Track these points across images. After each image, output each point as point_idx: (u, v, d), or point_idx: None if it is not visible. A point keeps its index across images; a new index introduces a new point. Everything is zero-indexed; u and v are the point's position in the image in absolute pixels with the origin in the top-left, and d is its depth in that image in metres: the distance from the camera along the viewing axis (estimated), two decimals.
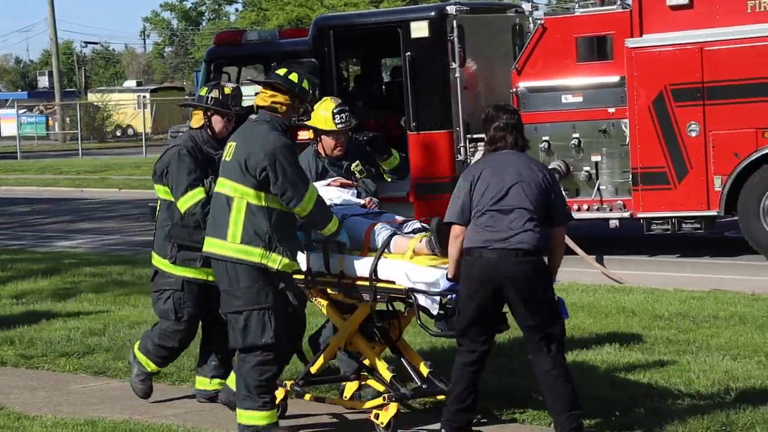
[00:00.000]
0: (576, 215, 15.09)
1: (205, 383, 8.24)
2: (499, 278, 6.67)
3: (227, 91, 8.10)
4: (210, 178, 7.83)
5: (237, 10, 58.47)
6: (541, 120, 15.14)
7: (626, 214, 14.82)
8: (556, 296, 6.84)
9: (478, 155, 15.57)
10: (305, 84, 7.23)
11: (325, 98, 8.04)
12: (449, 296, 6.91)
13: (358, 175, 8.07)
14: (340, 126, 7.83)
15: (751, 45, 13.80)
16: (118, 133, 58.91)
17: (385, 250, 7.19)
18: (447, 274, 6.88)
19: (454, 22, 15.27)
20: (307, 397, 7.68)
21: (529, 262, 6.65)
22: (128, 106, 56.23)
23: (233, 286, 7.00)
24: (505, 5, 17.81)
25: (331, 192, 7.69)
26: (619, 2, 15.09)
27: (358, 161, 8.10)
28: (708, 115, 14.09)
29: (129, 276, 14.00)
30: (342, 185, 7.81)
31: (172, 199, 7.96)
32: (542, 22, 15.34)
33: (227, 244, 7.02)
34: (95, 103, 57.84)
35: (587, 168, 15.01)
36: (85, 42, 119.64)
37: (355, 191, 7.84)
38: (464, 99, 15.46)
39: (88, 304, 12.16)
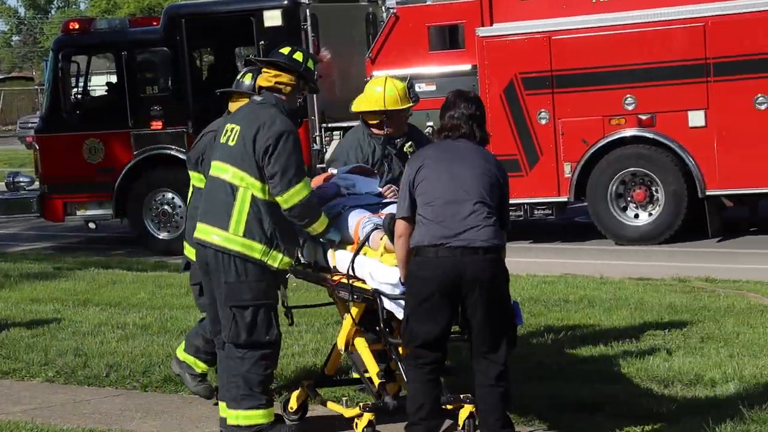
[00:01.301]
0: None
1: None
2: (459, 279, 5.98)
3: None
4: None
5: None
6: None
7: None
8: (513, 300, 6.29)
9: (334, 144, 15.62)
10: (310, 64, 6.81)
11: (382, 77, 7.80)
12: None
13: (410, 154, 7.78)
14: (414, 100, 7.77)
15: (597, 34, 14.16)
16: None
17: (367, 246, 6.70)
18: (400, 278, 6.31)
19: (307, 11, 15.31)
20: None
21: (491, 260, 6.00)
22: None
23: (242, 278, 6.59)
24: None
25: (352, 179, 7.30)
26: None
27: (411, 141, 7.84)
28: (557, 102, 14.41)
29: None
30: (363, 172, 7.40)
31: None
32: (395, 11, 15.49)
33: (230, 236, 6.58)
34: None
35: None
36: None
37: (378, 179, 7.41)
38: (319, 88, 15.40)
39: None
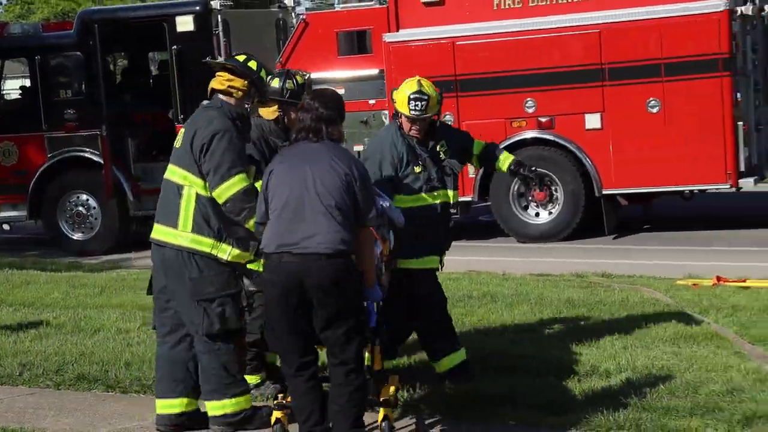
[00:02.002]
0: None
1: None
2: (302, 286, 5.85)
3: (300, 80, 7.54)
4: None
5: (1, 3, 56.52)
6: None
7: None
8: (366, 303, 6.14)
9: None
10: (263, 73, 6.97)
11: (412, 78, 7.53)
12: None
13: (443, 155, 7.66)
14: (413, 113, 7.42)
15: (499, 40, 14.28)
16: None
17: None
18: None
19: (219, 16, 15.26)
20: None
21: (333, 264, 5.83)
22: None
23: (203, 273, 6.62)
24: (269, 0, 17.81)
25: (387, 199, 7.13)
26: None
27: (444, 141, 7.65)
28: (461, 105, 14.50)
29: None
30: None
31: None
32: (304, 17, 15.52)
33: (179, 233, 6.66)
34: None
35: None
36: None
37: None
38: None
39: None
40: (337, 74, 15.23)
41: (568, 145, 14.16)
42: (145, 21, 16.09)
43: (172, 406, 6.88)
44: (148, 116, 16.65)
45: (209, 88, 6.89)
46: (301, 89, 7.46)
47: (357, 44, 15.34)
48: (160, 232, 6.80)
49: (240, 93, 6.81)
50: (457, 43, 14.45)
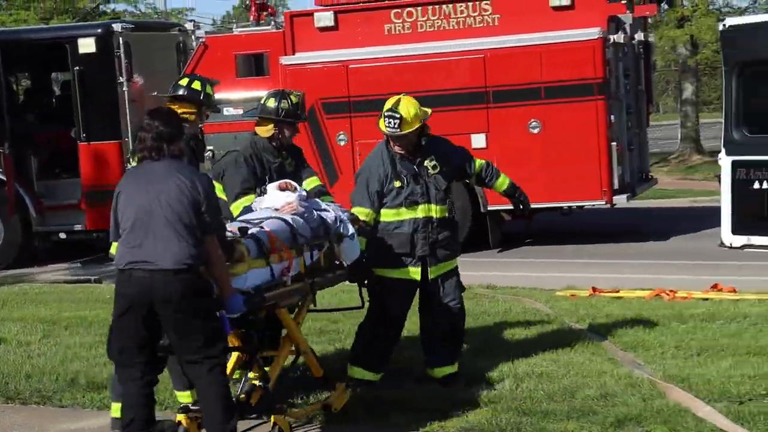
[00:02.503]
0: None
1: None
2: (150, 300, 5.83)
3: (294, 100, 7.59)
4: (265, 185, 7.32)
5: None
6: (206, 131, 15.11)
7: None
8: (220, 312, 6.04)
9: None
10: (208, 89, 7.10)
11: (395, 96, 7.48)
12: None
13: (431, 170, 7.58)
14: (387, 130, 7.40)
15: (390, 64, 14.40)
16: None
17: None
18: None
19: (120, 38, 15.11)
20: None
21: (180, 280, 5.81)
22: None
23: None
24: (169, 24, 17.74)
25: (270, 195, 7.11)
26: (273, 23, 15.42)
27: (433, 156, 7.58)
28: (354, 126, 14.57)
29: None
30: (282, 187, 7.13)
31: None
32: (204, 40, 15.47)
33: None
34: None
35: None
36: None
37: (296, 194, 7.02)
38: (132, 111, 15.32)
39: None
40: (235, 95, 15.20)
41: None
42: (48, 42, 15.85)
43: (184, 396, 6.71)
44: (51, 135, 16.37)
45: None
46: (295, 108, 7.58)
47: (255, 66, 15.35)
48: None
49: (192, 116, 7.01)
50: (350, 66, 14.53)
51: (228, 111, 15.31)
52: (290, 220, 6.75)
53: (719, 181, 11.04)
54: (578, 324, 9.36)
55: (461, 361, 7.93)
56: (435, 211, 7.63)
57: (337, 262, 7.18)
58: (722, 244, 10.96)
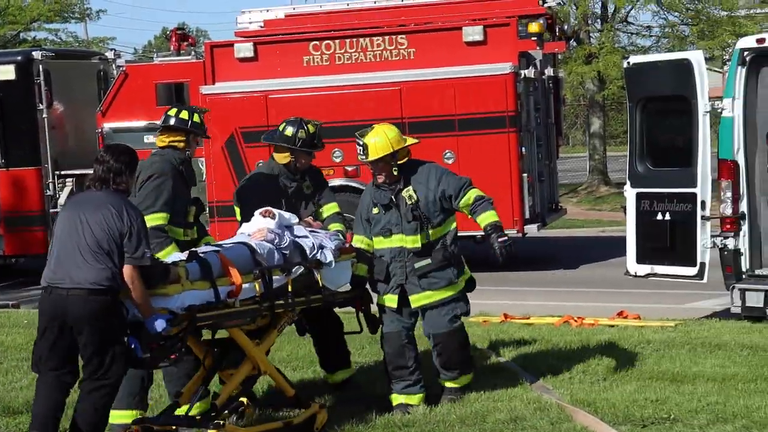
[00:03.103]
0: None
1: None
2: (65, 317, 6.18)
3: (311, 129, 7.80)
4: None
5: None
6: None
7: None
8: (129, 338, 6.28)
9: (66, 191, 15.28)
10: (196, 118, 7.39)
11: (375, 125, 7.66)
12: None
13: (408, 201, 7.49)
14: (359, 157, 7.51)
15: (309, 94, 14.43)
16: None
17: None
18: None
19: (40, 66, 14.98)
20: None
21: (92, 300, 6.13)
22: None
23: None
24: (90, 52, 17.59)
25: (253, 220, 7.36)
26: (193, 53, 15.36)
27: (410, 187, 7.54)
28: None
29: None
30: (263, 215, 7.33)
31: None
32: (124, 68, 15.34)
33: None
34: None
35: None
36: None
37: (275, 221, 7.22)
38: (52, 138, 15.19)
39: None
40: (156, 123, 15.03)
41: None
42: None
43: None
44: None
45: (157, 146, 7.39)
46: (311, 137, 7.78)
47: (175, 95, 15.25)
48: None
49: (182, 143, 7.34)
50: (270, 96, 14.52)
51: (148, 138, 15.17)
52: (254, 245, 6.96)
53: (625, 212, 11.22)
54: (490, 350, 9.42)
55: (375, 385, 7.92)
56: (406, 241, 7.57)
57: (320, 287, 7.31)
58: (627, 273, 11.13)
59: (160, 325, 6.25)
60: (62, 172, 15.34)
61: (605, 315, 10.95)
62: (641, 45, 25.91)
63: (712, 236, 10.54)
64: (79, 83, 16.16)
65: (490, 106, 13.86)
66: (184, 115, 7.35)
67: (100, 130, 15.11)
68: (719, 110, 10.63)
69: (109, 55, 16.60)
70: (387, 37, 14.43)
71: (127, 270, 6.19)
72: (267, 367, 7.19)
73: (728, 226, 10.65)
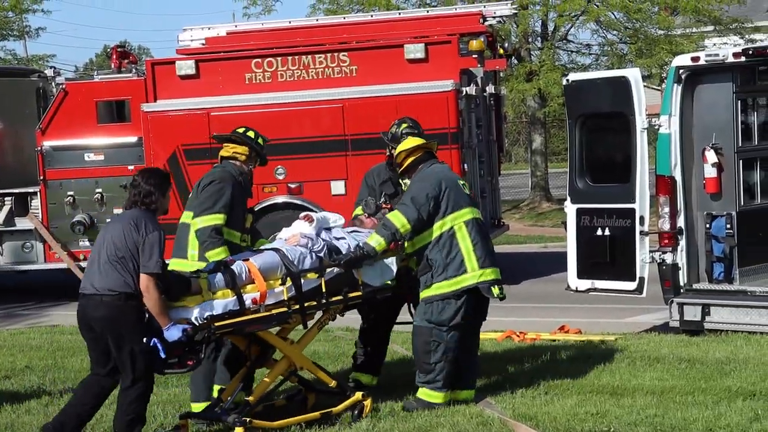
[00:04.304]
0: None
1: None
2: (88, 320, 6.99)
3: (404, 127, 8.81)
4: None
5: None
6: (66, 176, 15.00)
7: None
8: (150, 339, 6.89)
9: (6, 209, 15.12)
10: (260, 140, 8.14)
11: None
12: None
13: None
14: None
15: (251, 112, 14.40)
16: None
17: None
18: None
19: None
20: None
21: (107, 304, 6.87)
22: None
23: None
24: (29, 70, 17.42)
25: (293, 225, 8.12)
26: (134, 71, 15.28)
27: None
28: None
29: None
30: (304, 218, 8.08)
31: None
32: (64, 86, 15.22)
33: (187, 263, 7.69)
34: None
35: (110, 220, 14.98)
36: None
37: (312, 225, 7.95)
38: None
39: None
40: (96, 141, 15.02)
41: (315, 209, 14.36)
42: None
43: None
44: None
45: (219, 156, 8.15)
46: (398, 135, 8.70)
47: (116, 113, 15.17)
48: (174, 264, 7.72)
49: (243, 156, 8.03)
50: (212, 113, 14.48)
51: (89, 157, 15.08)
52: (285, 251, 7.62)
53: (566, 228, 11.34)
54: None
55: (318, 402, 7.93)
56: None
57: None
58: (569, 288, 11.24)
59: (174, 334, 6.85)
60: (1, 191, 15.13)
61: (547, 330, 11.05)
62: (581, 63, 26.23)
63: (650, 251, 10.70)
64: (18, 101, 16.01)
65: (432, 122, 13.85)
66: (251, 134, 8.14)
67: (39, 149, 14.96)
68: (656, 127, 10.81)
69: (49, 72, 16.48)
70: (329, 55, 14.46)
71: (142, 279, 6.86)
72: (304, 362, 7.85)
73: (666, 241, 10.82)
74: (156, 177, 7.21)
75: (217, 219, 7.73)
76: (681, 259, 10.79)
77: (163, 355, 6.86)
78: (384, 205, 8.48)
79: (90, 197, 15.04)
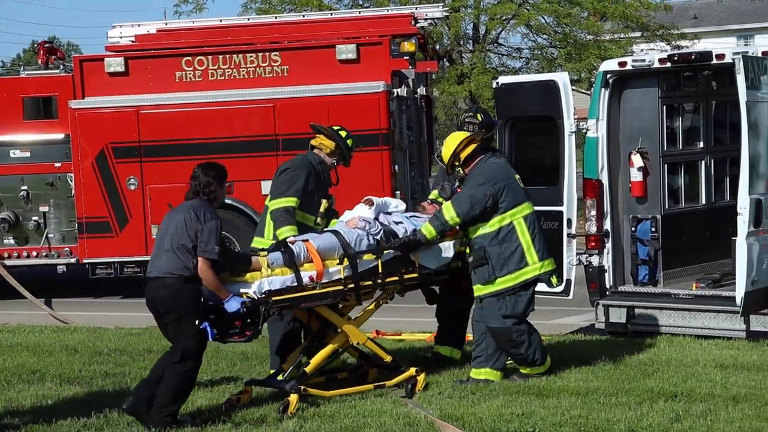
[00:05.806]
0: (25, 262, 14.88)
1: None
2: (152, 300, 7.54)
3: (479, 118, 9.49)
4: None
5: None
6: None
7: (73, 260, 14.84)
8: (202, 322, 7.39)
9: None
10: (349, 142, 8.84)
11: None
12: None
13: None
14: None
15: (181, 110, 14.29)
16: None
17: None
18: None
19: None
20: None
21: (165, 285, 7.41)
22: None
23: None
24: None
25: (355, 209, 8.69)
26: (62, 67, 15.06)
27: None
28: (145, 170, 14.37)
29: None
30: (365, 202, 8.69)
31: None
32: None
33: (264, 240, 8.54)
34: None
35: (36, 218, 14.92)
36: None
37: (371, 208, 8.58)
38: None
39: None
40: (22, 137, 14.81)
41: (245, 209, 14.30)
42: None
43: None
44: None
45: (309, 144, 8.85)
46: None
47: (43, 109, 14.94)
48: (256, 242, 8.68)
49: (328, 149, 8.78)
50: (141, 111, 14.33)
51: (14, 153, 14.85)
52: (344, 233, 8.23)
53: None
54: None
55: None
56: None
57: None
58: None
59: (233, 306, 7.44)
60: None
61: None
62: (512, 66, 26.41)
63: (577, 253, 10.80)
64: None
65: (363, 123, 13.91)
66: (343, 133, 8.79)
67: None
68: (584, 130, 10.93)
69: None
70: (260, 54, 14.38)
71: (201, 262, 7.40)
72: (360, 337, 8.44)
73: (593, 244, 10.94)
74: (214, 170, 7.74)
75: (289, 201, 8.48)
76: (607, 261, 10.92)
77: (211, 337, 7.43)
78: (459, 190, 8.84)
79: (15, 194, 14.83)
